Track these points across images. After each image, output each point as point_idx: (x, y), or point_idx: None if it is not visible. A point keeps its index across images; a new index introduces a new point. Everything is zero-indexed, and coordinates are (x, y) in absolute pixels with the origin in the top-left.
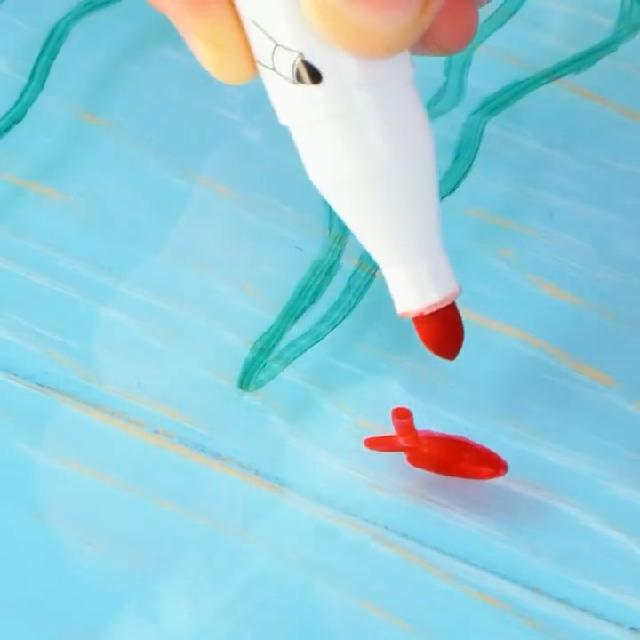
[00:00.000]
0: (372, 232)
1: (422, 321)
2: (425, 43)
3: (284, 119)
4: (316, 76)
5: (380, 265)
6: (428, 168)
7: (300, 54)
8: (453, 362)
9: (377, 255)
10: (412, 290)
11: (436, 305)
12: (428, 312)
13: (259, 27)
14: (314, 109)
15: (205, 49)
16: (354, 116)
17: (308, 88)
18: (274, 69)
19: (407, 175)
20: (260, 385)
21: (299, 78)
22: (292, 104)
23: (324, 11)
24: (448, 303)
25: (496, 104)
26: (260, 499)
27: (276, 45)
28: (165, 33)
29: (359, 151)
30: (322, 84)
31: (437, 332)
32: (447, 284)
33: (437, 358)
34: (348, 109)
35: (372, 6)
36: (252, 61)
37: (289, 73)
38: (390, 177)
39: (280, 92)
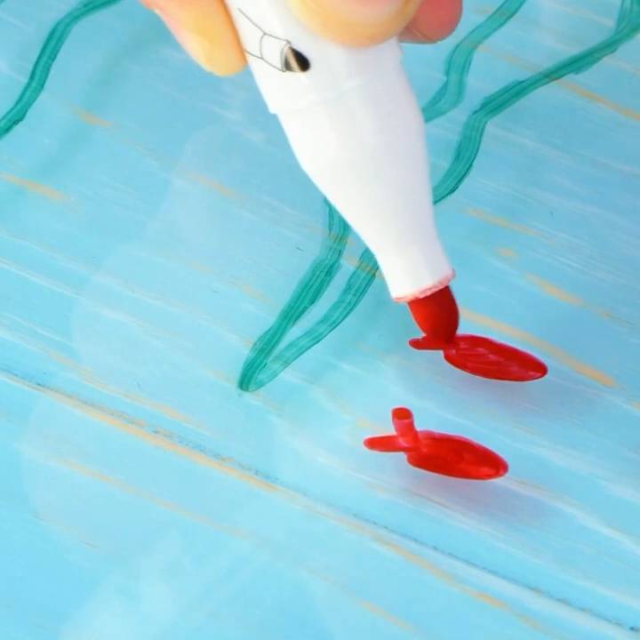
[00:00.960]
0: (364, 218)
1: (418, 305)
2: (409, 31)
3: (273, 107)
4: (304, 63)
5: (374, 251)
6: (419, 152)
7: (288, 42)
8: (453, 362)
9: (370, 242)
10: (407, 274)
11: (430, 288)
12: (422, 296)
13: (245, 16)
14: (303, 96)
15: (194, 40)
16: (343, 102)
17: (297, 76)
18: (262, 58)
19: (398, 160)
20: (260, 385)
21: (287, 66)
22: (280, 92)
23: (308, 3)
24: (442, 286)
25: (496, 104)
26: (260, 499)
27: (264, 34)
28: (165, 33)
29: (349, 137)
30: (310, 71)
31: (433, 315)
32: (441, 268)
33: (438, 359)
34: (336, 96)
35: None
36: (241, 51)
37: (277, 61)
38: (381, 162)
39: (269, 80)
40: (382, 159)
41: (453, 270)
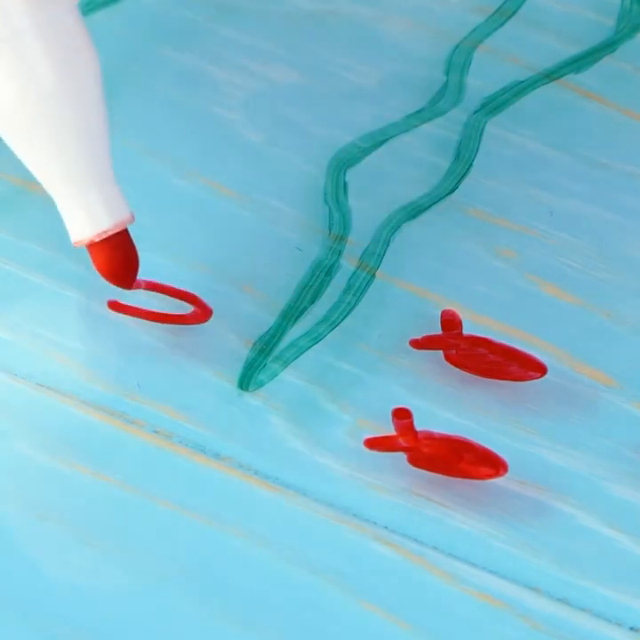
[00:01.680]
0: (42, 161)
1: (96, 248)
2: None
3: None
4: None
5: (53, 195)
6: (95, 95)
7: None
8: (453, 362)
9: (49, 185)
10: (85, 217)
11: (107, 231)
12: (100, 239)
13: None
14: None
15: None
16: (16, 41)
17: None
18: None
19: (74, 102)
20: (259, 385)
21: None
22: None
23: None
24: (120, 230)
25: (496, 104)
26: (260, 499)
27: None
28: (165, 33)
29: (23, 76)
30: None
31: (111, 259)
32: (119, 211)
33: (437, 359)
34: (10, 35)
35: None
36: None
37: None
38: (56, 102)
39: None
40: (58, 101)
41: (132, 214)
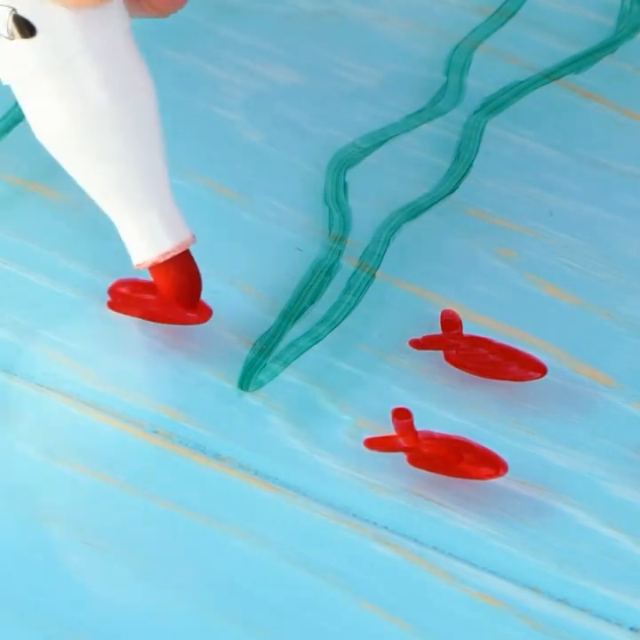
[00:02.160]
0: (101, 186)
1: (159, 270)
2: (138, 3)
3: (4, 78)
4: (30, 30)
5: (113, 219)
6: (150, 116)
7: (13, 9)
8: (453, 362)
9: (109, 209)
10: (146, 239)
11: (169, 252)
12: (162, 260)
13: None
14: (31, 64)
15: None
16: (69, 69)
17: (24, 42)
18: None
19: (129, 125)
20: (259, 385)
21: (13, 34)
22: (9, 60)
23: None
24: (182, 250)
25: (496, 104)
26: (260, 499)
27: None
28: (165, 33)
29: (77, 105)
30: (37, 38)
31: (175, 281)
32: (180, 232)
33: (437, 359)
34: (63, 63)
35: None
36: None
37: (4, 29)
38: (112, 128)
39: None
40: (113, 125)
41: (193, 235)
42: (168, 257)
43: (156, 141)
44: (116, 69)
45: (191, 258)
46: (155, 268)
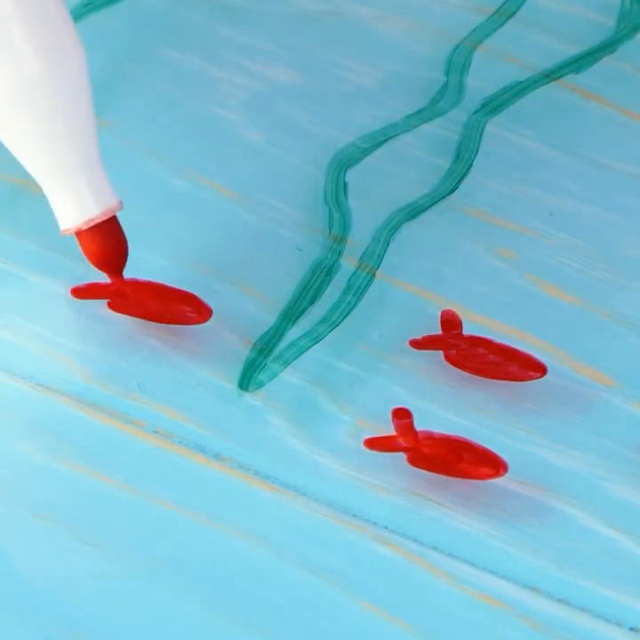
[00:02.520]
0: (30, 149)
1: (85, 236)
2: None
3: None
4: None
5: (41, 184)
6: (81, 81)
7: None
8: (453, 362)
9: (37, 173)
10: (73, 205)
11: (95, 219)
12: (88, 226)
13: None
14: None
15: None
16: (1, 31)
17: None
18: None
19: (59, 88)
20: (259, 385)
21: None
22: None
23: None
24: (108, 217)
25: (496, 104)
26: (260, 499)
27: None
28: (165, 33)
29: (8, 63)
30: None
31: (101, 247)
32: (107, 199)
33: (437, 359)
34: None
35: None
36: None
37: None
38: (41, 88)
39: None
40: (43, 87)
41: (120, 201)
42: (94, 223)
43: (86, 107)
44: (46, 34)
45: (118, 224)
46: (81, 233)
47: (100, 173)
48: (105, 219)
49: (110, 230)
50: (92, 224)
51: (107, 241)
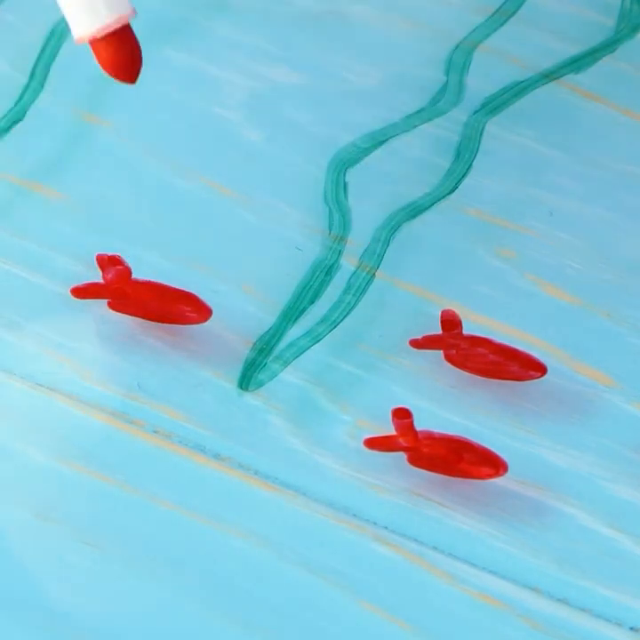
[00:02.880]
0: None
1: (99, 45)
2: None
3: None
4: None
5: None
6: None
7: None
8: (453, 362)
9: None
10: (86, 13)
11: (109, 26)
12: (102, 34)
13: None
14: None
15: None
16: None
17: None
18: None
19: None
20: (259, 385)
21: None
22: None
23: None
24: (122, 24)
25: (496, 104)
26: (260, 498)
27: None
28: (165, 33)
29: None
30: None
31: (115, 55)
32: (120, 6)
33: (437, 359)
34: None
35: None
36: None
37: None
38: None
39: None
40: None
41: (134, 9)
42: (108, 31)
43: None
44: None
45: (131, 32)
46: (95, 42)
47: None
48: (118, 26)
49: (124, 37)
50: (105, 32)
51: (121, 48)
